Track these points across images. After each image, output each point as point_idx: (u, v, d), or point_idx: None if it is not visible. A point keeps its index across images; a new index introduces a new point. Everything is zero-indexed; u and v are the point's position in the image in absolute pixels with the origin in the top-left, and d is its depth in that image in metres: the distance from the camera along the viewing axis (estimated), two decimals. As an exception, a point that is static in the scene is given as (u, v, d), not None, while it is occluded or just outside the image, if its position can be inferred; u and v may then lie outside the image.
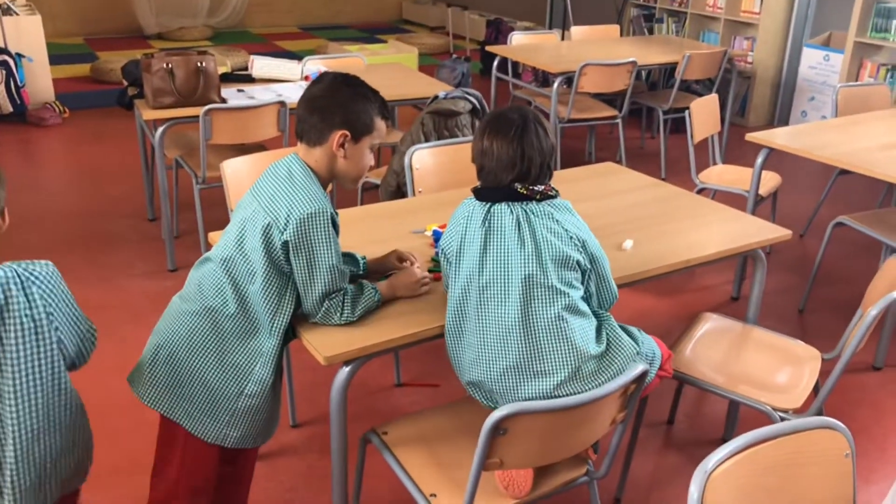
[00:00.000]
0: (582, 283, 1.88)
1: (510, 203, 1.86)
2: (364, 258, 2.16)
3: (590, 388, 1.80)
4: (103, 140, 5.95)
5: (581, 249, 1.86)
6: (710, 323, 2.66)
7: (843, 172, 3.79)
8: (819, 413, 2.24)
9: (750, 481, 1.46)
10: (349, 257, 2.12)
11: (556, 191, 1.91)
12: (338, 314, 1.88)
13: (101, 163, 5.47)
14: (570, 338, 1.81)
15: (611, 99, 5.73)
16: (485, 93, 4.09)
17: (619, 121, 5.19)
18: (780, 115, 6.74)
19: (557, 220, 1.85)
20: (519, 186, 1.86)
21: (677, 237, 2.48)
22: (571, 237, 1.85)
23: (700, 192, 4.00)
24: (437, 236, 2.41)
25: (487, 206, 1.88)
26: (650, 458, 2.74)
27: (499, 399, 1.89)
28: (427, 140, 3.62)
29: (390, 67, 5.04)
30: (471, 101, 3.76)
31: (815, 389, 2.36)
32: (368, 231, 2.48)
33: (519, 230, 1.83)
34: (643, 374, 1.72)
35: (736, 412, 2.80)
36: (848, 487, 1.54)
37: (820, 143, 3.53)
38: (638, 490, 2.58)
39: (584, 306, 1.87)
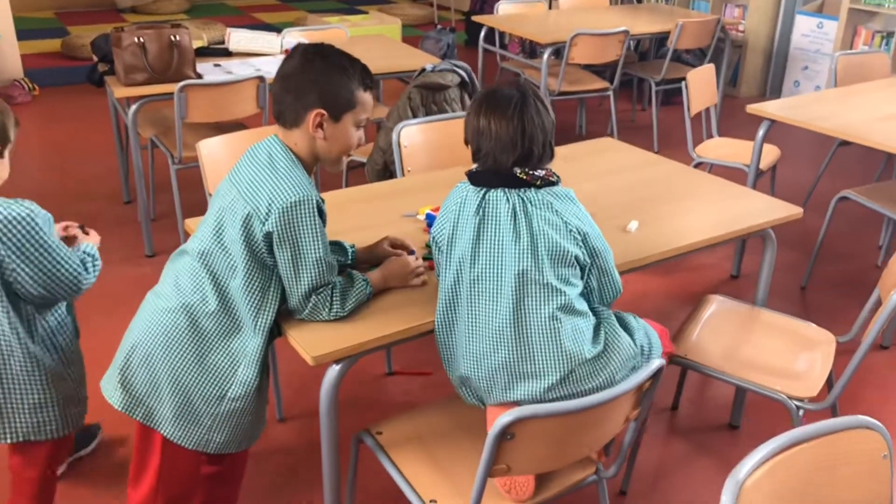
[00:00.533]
0: (581, 279, 1.74)
1: (507, 190, 1.71)
2: (353, 246, 2.01)
3: (582, 391, 1.69)
4: (76, 119, 5.73)
5: (581, 244, 1.71)
6: (716, 305, 2.54)
7: (843, 144, 3.68)
8: (835, 402, 2.13)
9: (784, 487, 1.33)
10: (337, 246, 1.97)
11: (558, 177, 1.76)
12: (326, 310, 1.73)
13: (74, 143, 5.26)
14: (565, 340, 1.68)
15: (600, 70, 5.57)
16: (471, 65, 3.92)
17: (610, 93, 5.04)
18: (772, 84, 6.61)
19: (557, 211, 1.70)
20: (519, 171, 1.70)
21: (684, 217, 2.35)
22: (571, 230, 1.70)
23: (697, 166, 3.87)
24: (430, 220, 2.26)
25: (482, 191, 1.72)
26: (655, 447, 2.62)
27: (485, 398, 1.77)
28: (414, 115, 3.46)
29: (373, 39, 4.86)
30: (459, 74, 3.60)
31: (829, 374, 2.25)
32: (356, 215, 2.33)
33: (514, 221, 1.68)
34: (659, 371, 1.58)
35: (743, 397, 2.69)
36: (885, 489, 1.42)
37: (822, 114, 3.39)
38: (644, 480, 2.47)
39: (581, 305, 1.73)
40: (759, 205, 2.45)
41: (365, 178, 3.57)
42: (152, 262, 3.74)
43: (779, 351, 2.32)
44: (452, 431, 1.91)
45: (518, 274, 1.66)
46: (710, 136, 4.26)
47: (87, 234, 2.08)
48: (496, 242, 1.69)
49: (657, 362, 1.57)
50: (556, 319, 1.67)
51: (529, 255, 1.66)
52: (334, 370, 1.72)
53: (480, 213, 1.71)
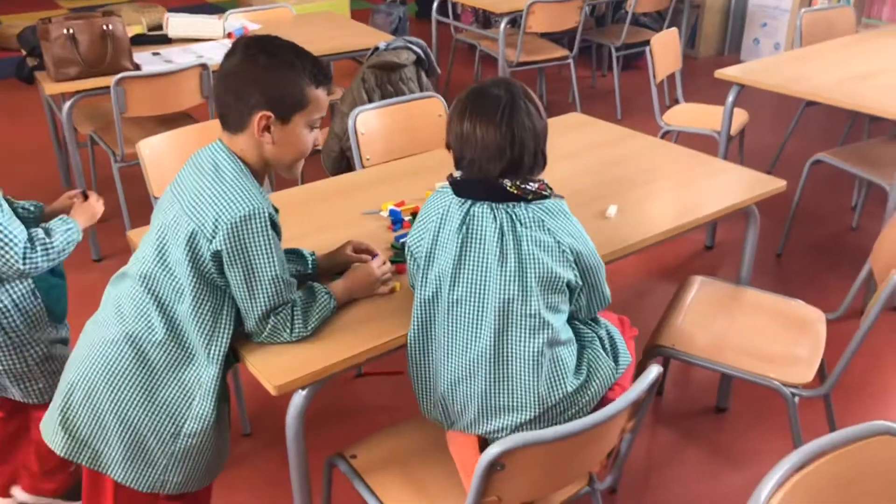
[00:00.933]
0: (570, 303, 1.59)
1: (494, 205, 1.53)
2: (313, 254, 1.84)
3: (558, 423, 1.54)
4: (11, 116, 5.40)
5: (573, 265, 1.55)
6: (699, 287, 2.42)
7: (810, 104, 3.57)
8: (831, 388, 2.03)
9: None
10: (295, 255, 1.80)
11: (551, 189, 1.58)
12: (287, 331, 1.57)
13: (10, 142, 4.96)
14: (548, 376, 1.54)
15: (557, 38, 5.41)
16: (424, 38, 3.73)
17: (570, 61, 4.88)
18: (730, 43, 6.50)
19: (549, 230, 1.53)
20: (509, 183, 1.53)
21: (665, 197, 2.22)
22: (564, 251, 1.53)
23: (665, 134, 3.75)
24: (394, 217, 2.10)
25: (467, 205, 1.55)
26: (642, 437, 2.51)
27: (454, 425, 1.63)
28: (370, 98, 3.27)
29: (321, 17, 4.63)
30: (415, 51, 3.41)
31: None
32: (314, 216, 2.15)
33: (501, 241, 1.51)
34: (656, 380, 1.45)
35: (730, 379, 2.58)
36: (908, 500, 1.31)
37: (791, 75, 3.28)
38: (634, 475, 2.36)
39: (566, 333, 1.59)
40: (740, 179, 2.33)
41: (321, 166, 3.39)
42: (101, 268, 3.52)
43: (768, 333, 2.21)
44: (433, 451, 1.76)
45: (502, 302, 1.51)
46: (674, 101, 4.14)
47: (86, 199, 2.05)
48: (480, 265, 1.52)
49: (654, 371, 1.44)
50: (542, 354, 1.52)
51: (516, 282, 1.51)
52: (300, 396, 1.56)
53: (464, 229, 1.53)
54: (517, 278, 1.50)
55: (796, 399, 2.02)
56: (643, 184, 2.29)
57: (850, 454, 1.25)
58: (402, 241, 1.94)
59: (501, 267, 1.51)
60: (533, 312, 1.51)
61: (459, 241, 1.53)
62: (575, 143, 2.62)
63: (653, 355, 2.14)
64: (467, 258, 1.53)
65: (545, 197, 1.56)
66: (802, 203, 3.97)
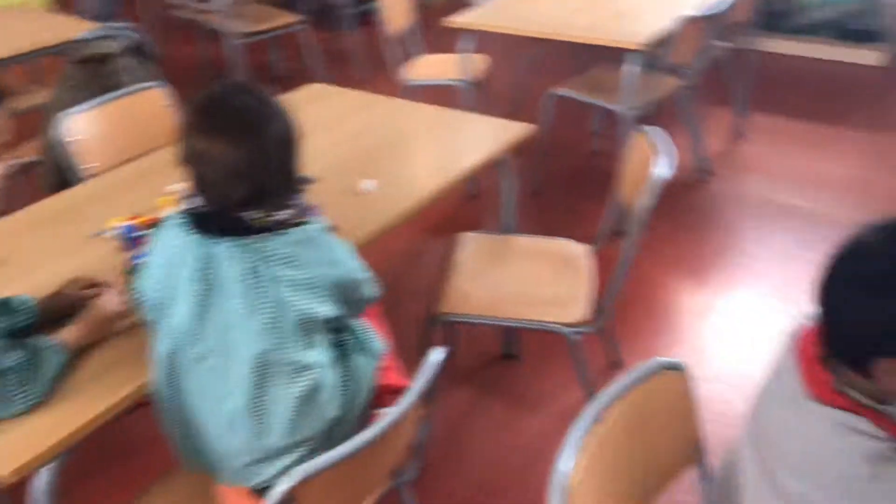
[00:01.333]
0: (332, 327, 1.45)
1: (240, 243, 1.31)
2: (31, 300, 1.56)
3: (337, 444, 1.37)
4: None
5: (332, 297, 1.38)
6: (469, 245, 2.39)
7: (536, 41, 3.68)
8: (606, 319, 2.09)
9: (609, 465, 1.20)
10: (3, 307, 1.51)
11: (308, 212, 1.40)
12: (11, 405, 1.31)
13: None
14: (313, 411, 1.39)
15: (286, 3, 5.17)
16: (139, 20, 3.38)
17: (304, 26, 4.67)
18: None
19: (302, 265, 1.33)
20: (253, 214, 1.31)
21: (419, 161, 2.15)
22: (321, 285, 1.36)
23: (409, 89, 3.69)
24: (127, 233, 1.84)
25: (206, 246, 1.31)
26: (441, 401, 2.47)
27: (221, 479, 1.46)
28: (80, 98, 2.90)
29: (9, 12, 4.05)
30: (122, 38, 3.07)
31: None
32: (26, 252, 1.83)
33: (249, 289, 1.30)
34: (441, 363, 1.37)
35: (514, 328, 2.60)
36: (693, 426, 1.35)
37: (519, 15, 3.35)
38: (439, 443, 2.31)
39: (326, 358, 1.42)
40: (489, 129, 2.31)
41: (40, 186, 2.97)
42: None
43: (542, 278, 2.23)
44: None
45: (257, 356, 1.32)
46: (412, 54, 4.09)
47: None
48: (225, 318, 1.32)
49: (437, 355, 1.36)
50: (303, 395, 1.37)
51: (272, 332, 1.32)
52: (44, 475, 1.32)
53: (203, 279, 1.31)
54: (272, 328, 1.32)
55: (576, 337, 2.05)
56: (394, 150, 2.20)
57: (635, 399, 1.25)
58: (137, 262, 1.71)
59: (252, 317, 1.31)
60: (293, 360, 1.35)
61: (199, 290, 1.31)
62: (318, 116, 2.47)
63: (434, 325, 2.09)
64: (210, 311, 1.32)
65: (297, 224, 1.36)
66: (549, 137, 4.11)
